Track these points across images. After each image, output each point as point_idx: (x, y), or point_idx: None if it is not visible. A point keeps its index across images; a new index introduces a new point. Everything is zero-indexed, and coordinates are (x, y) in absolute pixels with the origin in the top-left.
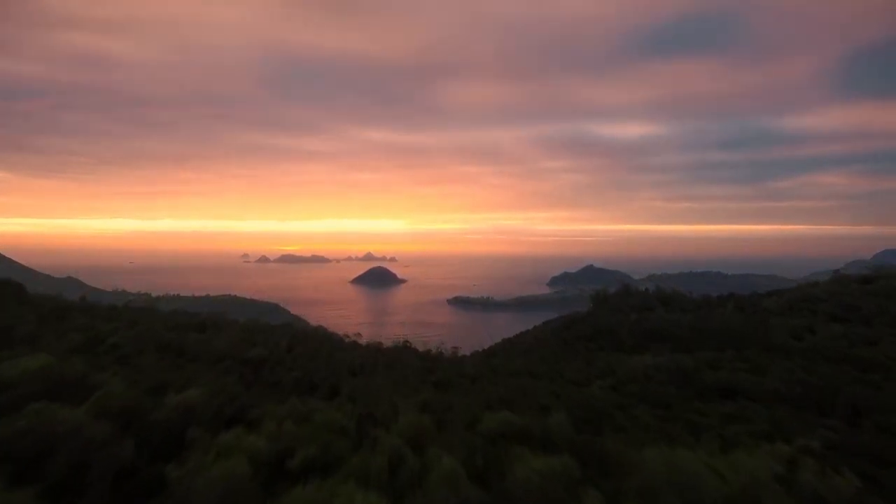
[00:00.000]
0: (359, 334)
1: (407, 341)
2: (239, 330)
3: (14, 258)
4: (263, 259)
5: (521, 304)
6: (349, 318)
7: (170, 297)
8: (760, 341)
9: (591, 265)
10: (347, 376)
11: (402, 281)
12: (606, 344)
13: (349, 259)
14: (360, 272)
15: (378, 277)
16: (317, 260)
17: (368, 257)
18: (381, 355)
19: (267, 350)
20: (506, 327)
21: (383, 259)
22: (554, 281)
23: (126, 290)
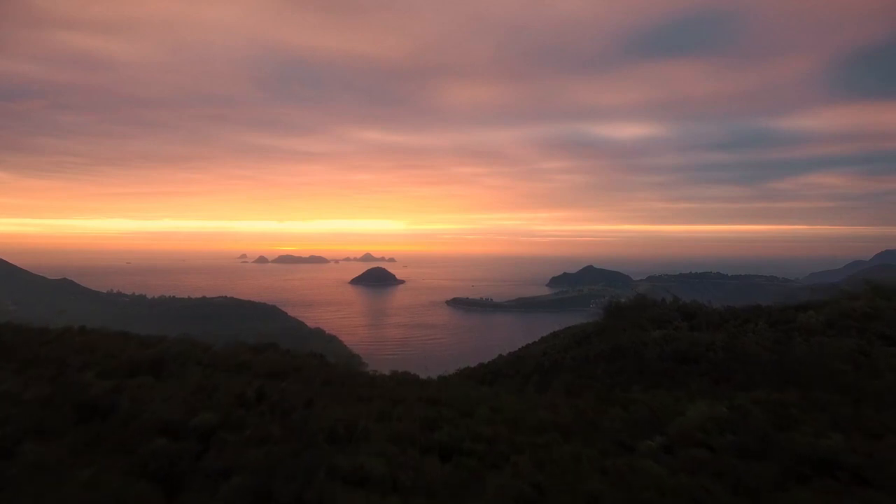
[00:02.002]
0: (357, 357)
1: (406, 372)
2: (204, 367)
3: (10, 260)
4: (262, 259)
5: (521, 306)
6: (348, 319)
7: (165, 299)
8: (820, 374)
9: (591, 266)
10: (324, 449)
11: (401, 282)
12: (629, 367)
13: (348, 259)
14: (359, 273)
15: (377, 278)
16: (315, 260)
17: (367, 258)
18: (375, 394)
19: (222, 412)
20: (506, 329)
21: (382, 259)
22: (553, 282)
23: (121, 291)
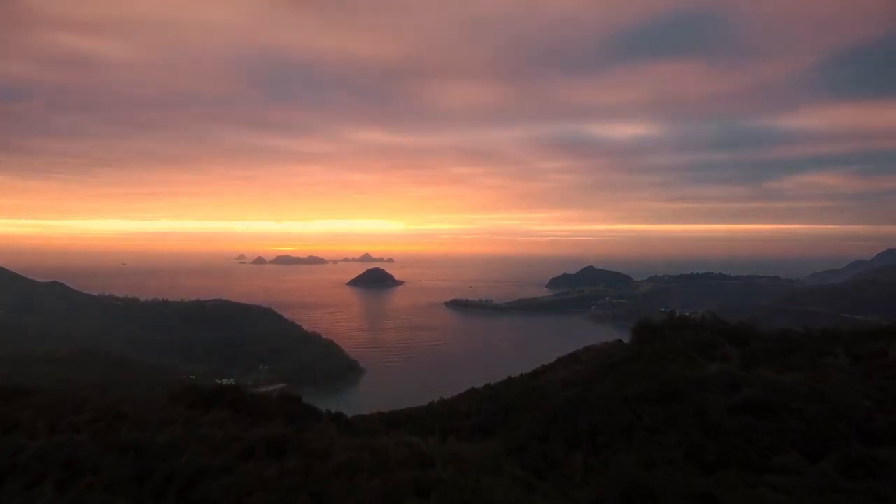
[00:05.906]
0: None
1: (403, 439)
2: (81, 477)
3: (2, 263)
4: (259, 260)
5: (522, 308)
6: (346, 322)
7: (158, 303)
8: None
9: (591, 266)
10: None
11: (400, 283)
12: (687, 419)
13: (346, 260)
14: (357, 273)
15: (375, 279)
16: (313, 261)
17: (366, 258)
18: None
19: None
20: (507, 332)
21: (380, 260)
22: (553, 282)
23: (114, 294)
